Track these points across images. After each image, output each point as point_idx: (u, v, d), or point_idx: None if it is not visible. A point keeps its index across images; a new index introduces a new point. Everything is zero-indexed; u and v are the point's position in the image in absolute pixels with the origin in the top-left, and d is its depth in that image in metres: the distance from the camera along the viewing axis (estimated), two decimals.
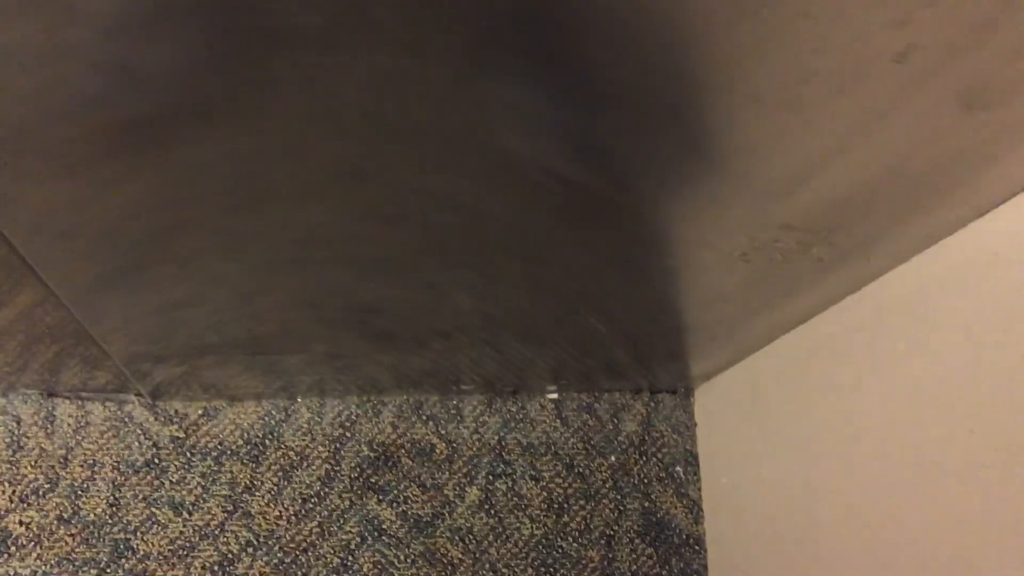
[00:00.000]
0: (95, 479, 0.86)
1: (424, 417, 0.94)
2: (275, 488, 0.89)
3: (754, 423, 0.88)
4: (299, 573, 0.87)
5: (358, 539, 0.89)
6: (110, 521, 0.85)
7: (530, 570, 0.91)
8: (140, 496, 0.86)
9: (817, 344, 0.76)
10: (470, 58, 0.45)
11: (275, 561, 0.87)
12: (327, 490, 0.90)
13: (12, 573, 0.83)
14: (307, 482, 0.90)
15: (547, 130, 0.52)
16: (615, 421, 0.98)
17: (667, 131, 0.52)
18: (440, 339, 0.86)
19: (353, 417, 0.93)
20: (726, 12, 0.41)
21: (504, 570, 0.90)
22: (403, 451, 0.92)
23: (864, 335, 0.69)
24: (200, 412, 0.89)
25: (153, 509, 0.86)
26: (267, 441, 0.90)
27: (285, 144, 0.52)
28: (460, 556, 0.90)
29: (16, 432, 0.85)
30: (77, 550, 0.84)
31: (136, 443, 0.87)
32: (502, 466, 0.94)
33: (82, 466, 0.86)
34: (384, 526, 0.90)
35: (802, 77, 0.45)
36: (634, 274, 0.73)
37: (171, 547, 0.85)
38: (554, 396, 0.99)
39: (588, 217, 0.63)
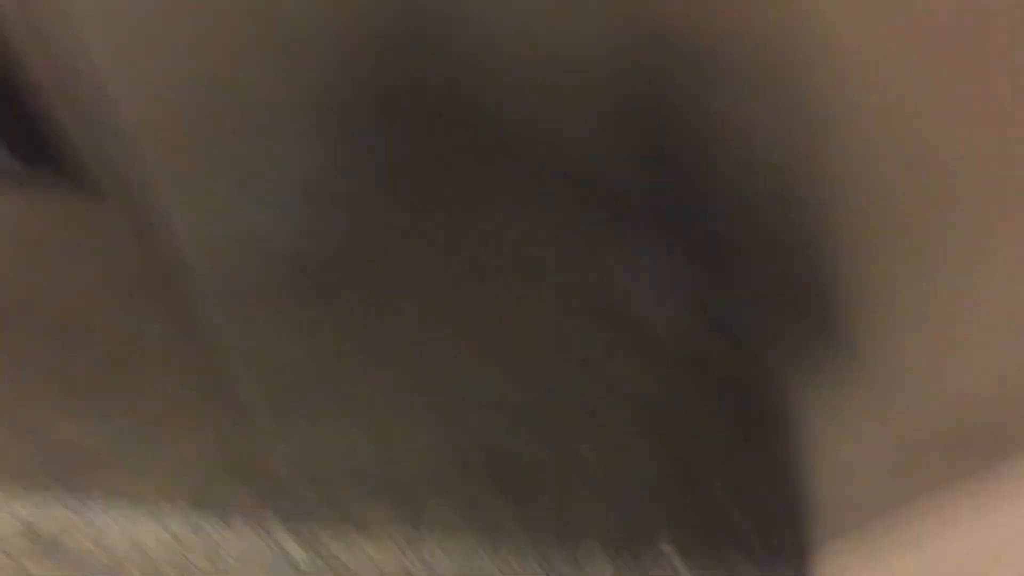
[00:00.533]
0: None
1: (545, 567, 0.95)
2: None
3: None
4: None
5: None
6: None
7: None
8: None
9: (958, 549, 0.74)
10: (603, 221, 0.50)
11: None
12: None
13: None
14: None
15: (684, 298, 0.56)
16: None
17: (805, 318, 0.55)
18: (564, 492, 0.88)
19: (483, 563, 0.95)
20: (871, 230, 0.45)
21: None
22: None
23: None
24: (341, 545, 0.94)
25: None
26: None
27: (436, 297, 0.58)
28: None
29: (179, 552, 0.92)
30: None
31: (277, 568, 0.92)
32: None
33: None
34: None
35: (954, 299, 0.47)
36: (758, 444, 0.74)
37: None
38: (673, 558, 0.98)
39: (715, 382, 0.65)
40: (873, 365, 0.58)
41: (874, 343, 0.55)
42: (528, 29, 0.38)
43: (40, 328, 0.69)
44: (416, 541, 0.96)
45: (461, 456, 0.83)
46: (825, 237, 0.47)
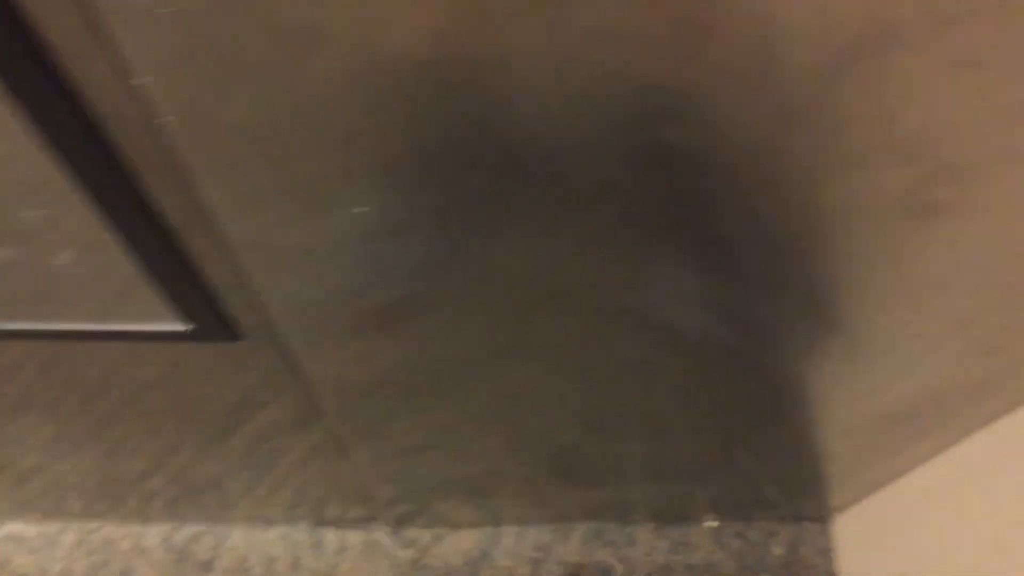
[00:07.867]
0: None
1: (604, 542, 1.12)
2: None
3: (892, 549, 0.94)
4: None
5: None
6: None
7: None
8: None
9: (952, 475, 0.83)
10: (638, 244, 0.58)
11: None
12: None
13: None
14: None
15: (716, 305, 0.65)
16: (765, 546, 1.12)
17: (809, 310, 0.66)
18: (616, 476, 1.02)
19: (548, 542, 1.12)
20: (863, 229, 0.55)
21: None
22: (589, 571, 1.10)
23: (999, 465, 0.75)
24: (430, 538, 1.10)
25: None
26: (481, 562, 1.09)
27: (500, 316, 0.66)
28: None
29: (295, 554, 1.08)
30: None
31: (383, 564, 1.08)
32: None
33: None
34: None
35: (922, 283, 0.59)
36: (778, 419, 0.86)
37: None
38: (713, 524, 1.14)
39: (738, 370, 0.75)
40: (863, 344, 0.69)
41: (862, 327, 0.66)
42: (548, 89, 0.43)
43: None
44: (496, 533, 1.11)
45: (529, 457, 0.95)
46: (816, 239, 0.55)
